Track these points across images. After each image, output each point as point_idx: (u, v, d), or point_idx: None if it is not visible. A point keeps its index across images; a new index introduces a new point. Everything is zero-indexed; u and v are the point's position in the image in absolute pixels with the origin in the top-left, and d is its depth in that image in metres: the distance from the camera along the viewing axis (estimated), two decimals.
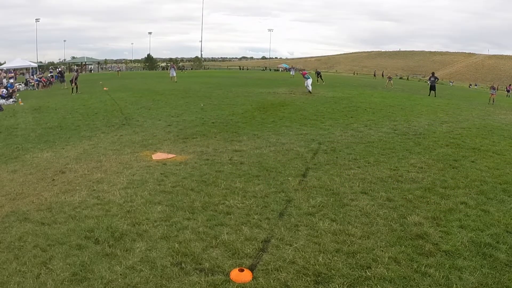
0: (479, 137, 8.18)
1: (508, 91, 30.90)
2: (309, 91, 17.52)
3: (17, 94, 19.27)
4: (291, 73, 36.97)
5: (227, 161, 5.81)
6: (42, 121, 10.08)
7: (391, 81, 31.73)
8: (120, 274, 2.72)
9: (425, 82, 42.85)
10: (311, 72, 24.17)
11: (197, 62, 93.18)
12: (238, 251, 3.05)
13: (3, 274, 2.72)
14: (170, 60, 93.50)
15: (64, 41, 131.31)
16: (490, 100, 19.95)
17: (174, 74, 29.38)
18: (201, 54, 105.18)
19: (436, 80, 22.85)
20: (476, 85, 59.07)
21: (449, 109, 13.77)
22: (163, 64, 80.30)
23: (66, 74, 31.99)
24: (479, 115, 12.74)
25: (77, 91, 19.02)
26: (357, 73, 75.38)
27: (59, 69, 31.01)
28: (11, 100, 17.48)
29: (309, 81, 17.78)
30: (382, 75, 50.52)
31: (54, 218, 3.69)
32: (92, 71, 60.44)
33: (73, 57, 78.56)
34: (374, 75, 59.38)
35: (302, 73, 18.30)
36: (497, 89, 21.07)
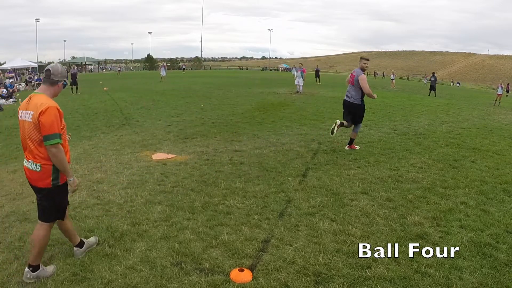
0: (479, 137, 8.18)
1: (507, 90, 30.85)
2: (299, 91, 17.59)
3: (17, 94, 19.30)
4: (293, 73, 28.29)
5: (227, 161, 5.81)
6: None
7: (394, 81, 31.93)
8: (120, 274, 2.73)
9: (423, 81, 43.10)
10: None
11: (197, 62, 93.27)
12: (238, 251, 3.06)
13: (3, 274, 2.72)
14: (170, 60, 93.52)
15: (64, 41, 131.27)
16: (497, 101, 19.49)
17: (165, 74, 29.10)
18: (201, 54, 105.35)
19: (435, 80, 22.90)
20: (458, 83, 60.05)
21: (449, 109, 13.78)
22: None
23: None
24: (479, 115, 12.74)
25: (77, 91, 19.04)
26: (369, 74, 75.17)
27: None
28: (11, 100, 17.50)
29: (301, 81, 17.77)
30: (385, 75, 50.48)
31: None
32: (98, 70, 60.38)
33: (73, 57, 78.64)
34: (374, 75, 59.47)
35: (302, 70, 18.28)
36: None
